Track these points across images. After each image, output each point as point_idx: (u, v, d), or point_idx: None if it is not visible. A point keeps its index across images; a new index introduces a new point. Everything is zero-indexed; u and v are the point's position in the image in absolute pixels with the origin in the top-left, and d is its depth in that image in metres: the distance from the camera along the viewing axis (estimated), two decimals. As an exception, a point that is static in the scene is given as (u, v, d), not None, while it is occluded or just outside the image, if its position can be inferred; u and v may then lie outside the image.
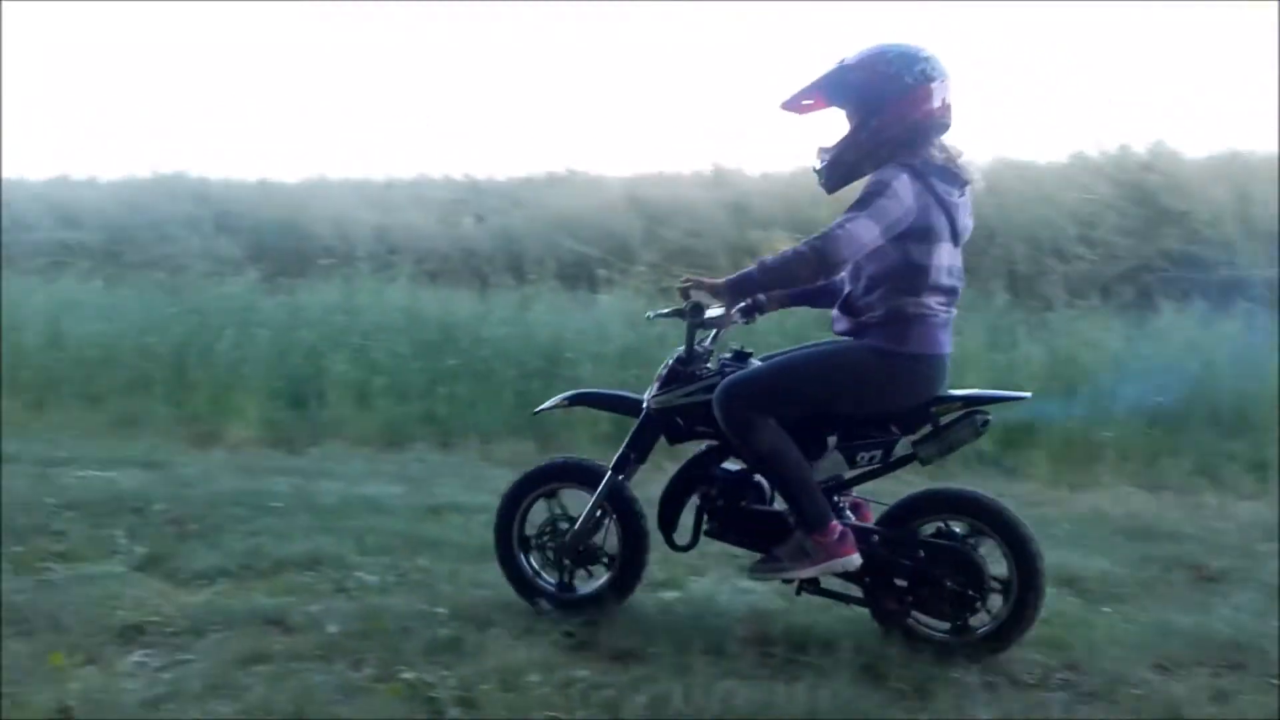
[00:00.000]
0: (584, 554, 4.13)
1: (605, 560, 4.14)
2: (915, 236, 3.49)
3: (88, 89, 30.83)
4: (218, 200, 15.01)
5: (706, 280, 3.72)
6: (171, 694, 3.36)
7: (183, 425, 7.78)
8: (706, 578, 4.65)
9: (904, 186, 3.45)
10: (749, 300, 3.98)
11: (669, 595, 4.40)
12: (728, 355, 3.98)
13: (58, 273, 11.50)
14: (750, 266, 3.65)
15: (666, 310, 4.19)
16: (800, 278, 3.56)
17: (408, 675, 3.50)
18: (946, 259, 3.56)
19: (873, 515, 3.95)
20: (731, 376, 3.74)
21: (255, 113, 29.54)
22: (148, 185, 16.19)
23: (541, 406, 4.37)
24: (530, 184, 14.65)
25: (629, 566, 4.08)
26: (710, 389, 3.76)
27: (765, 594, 4.38)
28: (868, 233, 3.41)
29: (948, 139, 3.64)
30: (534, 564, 4.23)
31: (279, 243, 13.27)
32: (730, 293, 3.68)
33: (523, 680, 3.46)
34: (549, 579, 4.22)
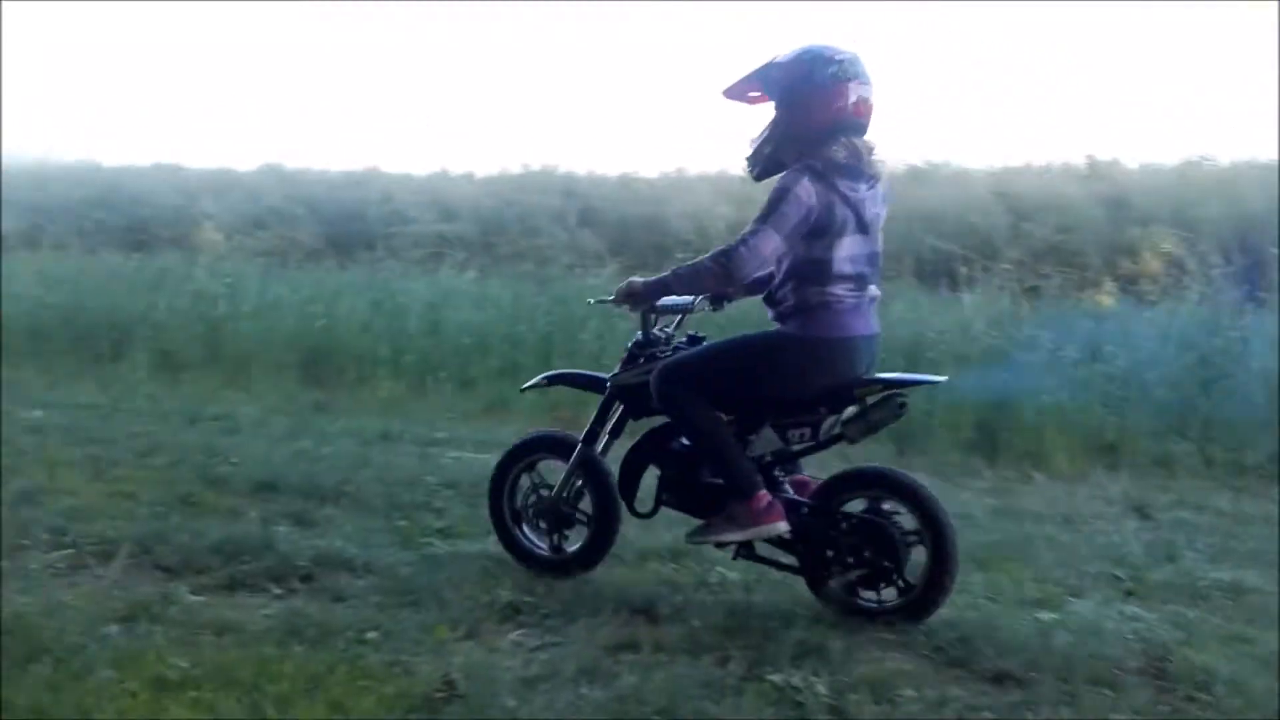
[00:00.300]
0: (562, 518, 4.50)
1: (584, 523, 4.48)
2: (818, 233, 3.80)
3: (464, 89, 32.96)
4: (582, 195, 15.64)
5: (621, 290, 4.19)
6: (547, 675, 3.44)
7: (548, 411, 8.06)
8: (1087, 600, 4.35)
9: (804, 189, 3.75)
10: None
11: (1046, 616, 4.13)
12: (683, 340, 4.35)
13: (436, 263, 12.29)
14: (666, 273, 4.08)
15: (608, 298, 4.43)
16: (708, 288, 4.12)
17: (774, 677, 3.44)
18: (851, 249, 3.85)
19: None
20: (666, 359, 4.15)
21: (619, 109, 30.66)
22: (519, 180, 17.10)
23: (525, 385, 4.95)
24: (891, 178, 14.50)
25: (601, 529, 4.41)
26: None
27: (1155, 621, 4.05)
28: (769, 244, 3.78)
29: (867, 137, 3.91)
30: (525, 531, 4.59)
31: (639, 236, 13.64)
32: (637, 300, 4.17)
33: (894, 693, 3.34)
34: (540, 544, 4.57)
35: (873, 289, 4.00)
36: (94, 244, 14.28)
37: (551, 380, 4.86)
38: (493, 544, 4.71)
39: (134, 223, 15.82)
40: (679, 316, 4.45)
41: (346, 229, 14.80)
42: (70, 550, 4.58)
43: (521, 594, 4.17)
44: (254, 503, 5.41)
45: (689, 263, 4.04)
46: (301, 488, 5.65)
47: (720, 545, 4.17)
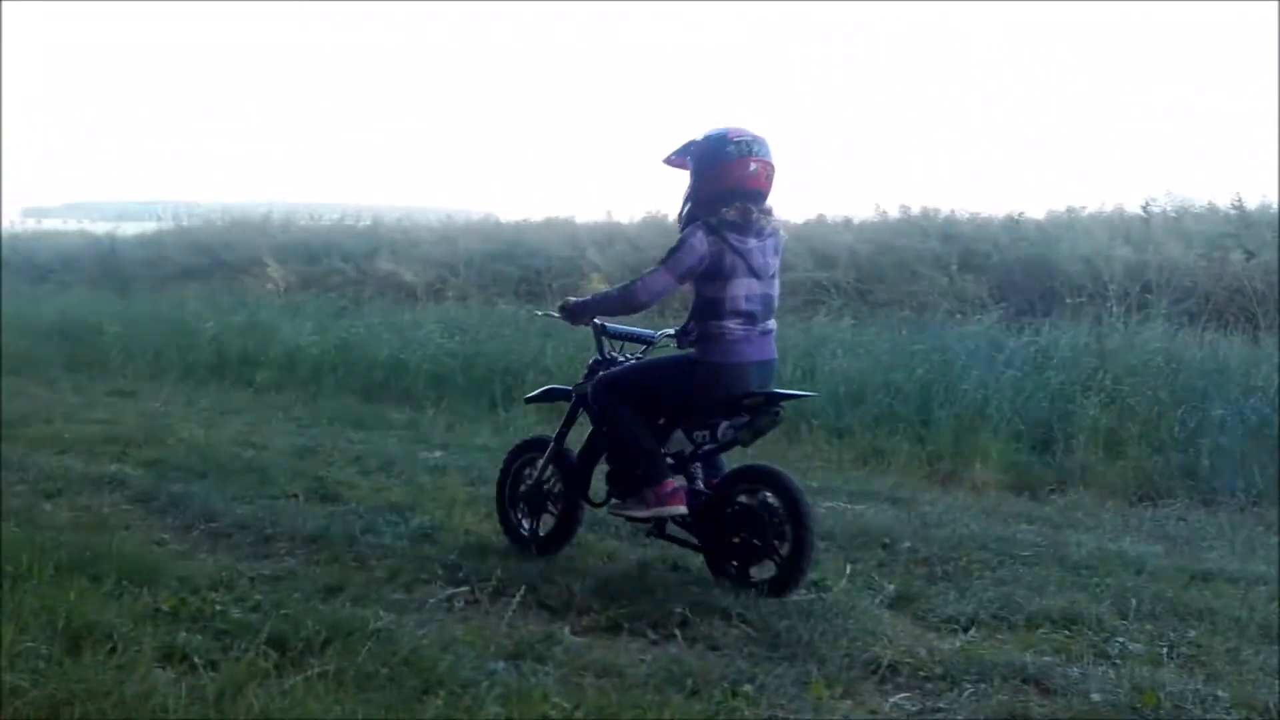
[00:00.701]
0: (539, 503, 5.40)
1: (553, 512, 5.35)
2: (710, 276, 4.70)
3: (839, 134, 33.00)
4: (964, 237, 15.15)
5: (560, 306, 5.28)
6: (930, 744, 3.24)
7: (925, 463, 7.79)
8: None
9: (699, 241, 4.66)
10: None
11: None
12: (635, 357, 5.26)
13: (811, 310, 12.21)
14: (588, 297, 5.34)
15: (552, 312, 5.57)
16: (614, 311, 5.13)
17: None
18: (743, 291, 4.71)
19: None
20: (603, 373, 5.09)
21: (1000, 148, 29.78)
22: (897, 225, 16.80)
23: (529, 396, 6.10)
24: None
25: (566, 512, 5.28)
26: None
27: None
28: (662, 281, 4.77)
29: (767, 203, 4.81)
30: (516, 513, 5.48)
31: (1025, 280, 13.04)
32: (569, 316, 5.20)
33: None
34: (525, 524, 5.44)
35: (765, 324, 4.87)
36: (492, 295, 15.26)
37: (546, 394, 5.80)
38: (871, 600, 4.56)
39: (528, 274, 16.77)
40: (644, 346, 5.37)
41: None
42: (465, 587, 4.81)
43: (902, 654, 3.98)
44: (632, 546, 5.49)
45: (604, 290, 5.63)
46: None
47: (630, 520, 5.09)
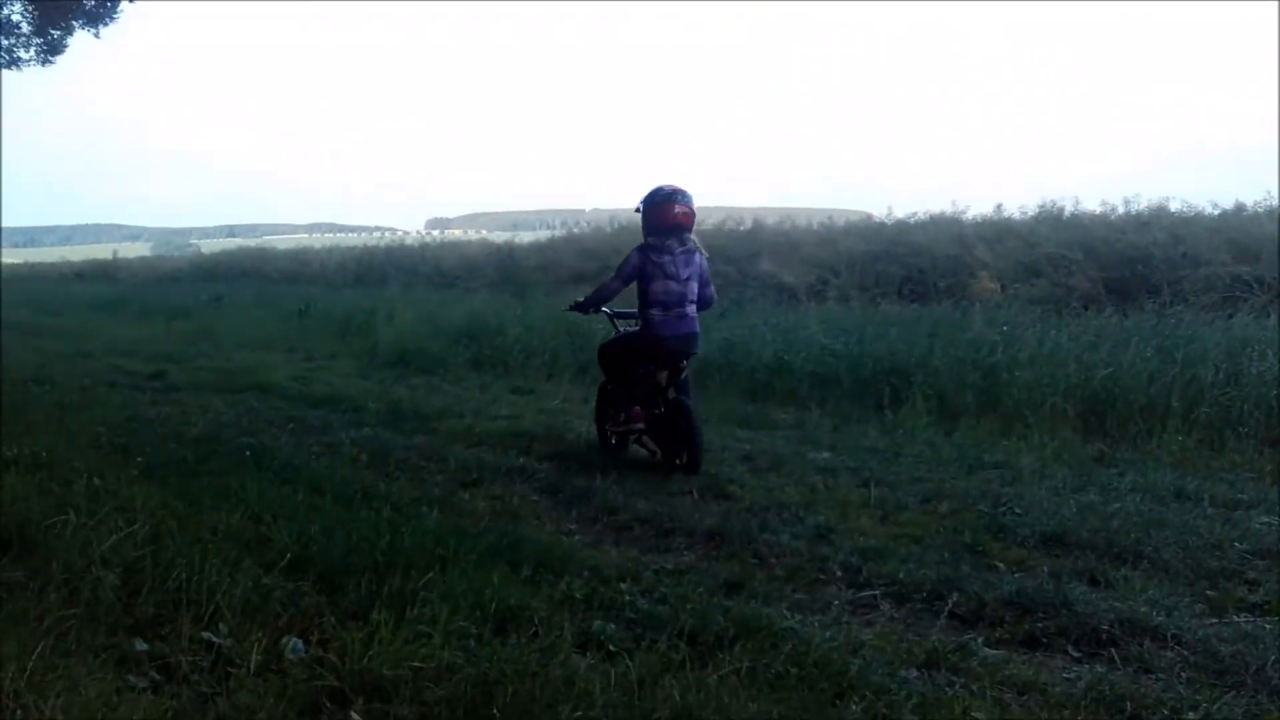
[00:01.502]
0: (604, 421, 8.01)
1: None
2: (642, 279, 7.38)
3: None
4: None
5: (573, 303, 8.04)
6: None
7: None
8: None
9: (634, 257, 7.41)
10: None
11: None
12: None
13: (1232, 308, 11.20)
14: (583, 298, 7.91)
15: (567, 308, 8.32)
16: (600, 303, 7.70)
17: None
18: (662, 288, 7.34)
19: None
20: (601, 344, 8.22)
21: None
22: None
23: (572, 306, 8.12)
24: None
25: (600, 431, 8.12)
26: None
27: None
28: (614, 284, 7.55)
29: (688, 235, 7.46)
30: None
31: None
32: (581, 309, 7.87)
33: None
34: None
35: (680, 310, 7.41)
36: (874, 295, 15.03)
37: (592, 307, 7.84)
38: None
39: (912, 273, 16.41)
40: (635, 319, 7.72)
41: (1127, 273, 14.10)
42: (865, 590, 4.68)
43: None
44: (1042, 557, 5.17)
45: (590, 292, 7.85)
46: (1092, 544, 5.31)
47: (613, 432, 7.82)
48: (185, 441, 7.28)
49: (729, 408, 10.09)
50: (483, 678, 3.23)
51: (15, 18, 25.45)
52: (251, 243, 70.49)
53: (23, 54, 26.26)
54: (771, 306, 15.27)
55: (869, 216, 22.72)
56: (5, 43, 25.82)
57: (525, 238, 29.14)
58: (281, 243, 62.16)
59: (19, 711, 2.74)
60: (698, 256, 7.45)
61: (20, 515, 4.70)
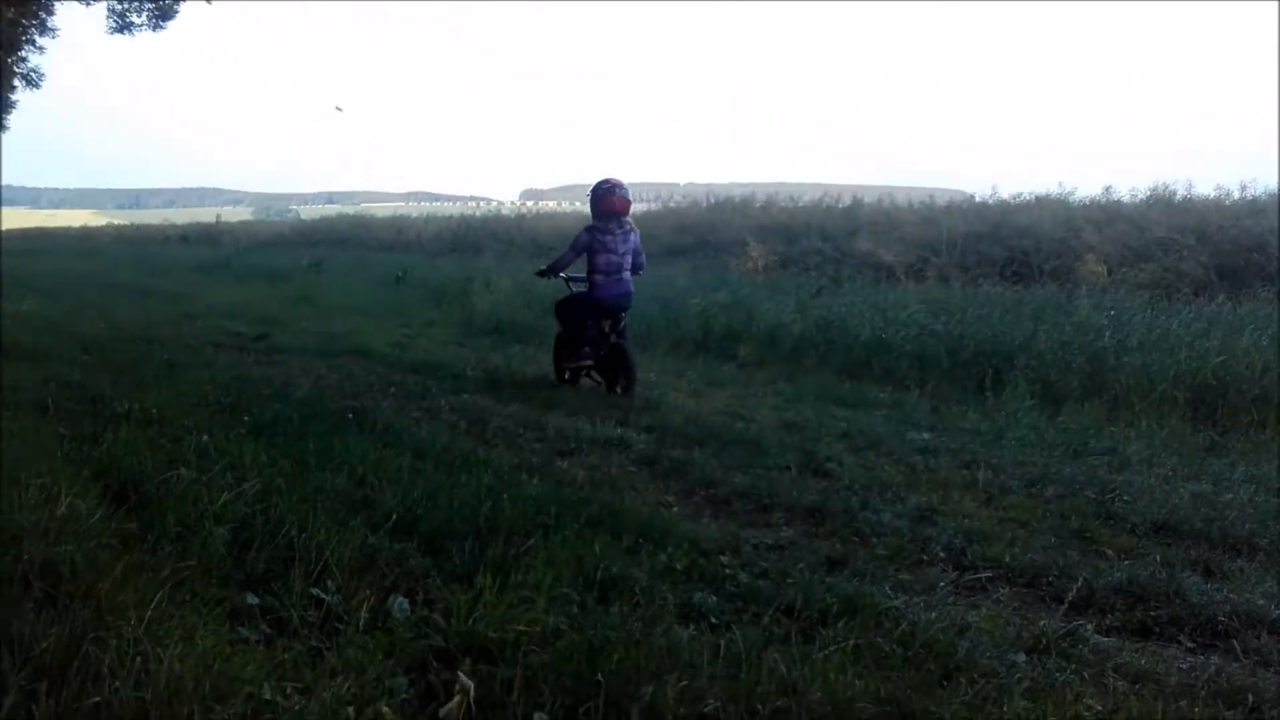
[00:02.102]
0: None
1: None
2: (590, 251, 9.33)
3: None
4: None
5: (540, 269, 10.28)
6: None
7: None
8: None
9: (583, 235, 9.43)
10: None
11: None
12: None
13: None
14: (546, 265, 10.13)
15: (537, 272, 10.61)
16: (559, 269, 9.71)
17: None
18: (604, 260, 9.27)
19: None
20: (557, 299, 10.05)
21: None
22: None
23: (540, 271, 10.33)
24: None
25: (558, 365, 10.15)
26: None
27: None
28: (568, 255, 9.60)
29: (625, 217, 9.49)
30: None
31: None
32: (545, 275, 9.98)
33: None
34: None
35: (618, 276, 9.36)
36: (976, 275, 14.76)
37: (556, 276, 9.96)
38: None
39: (1015, 254, 16.08)
40: (584, 282, 9.61)
41: (1240, 260, 13.66)
42: (970, 572, 4.60)
43: None
44: (1152, 545, 5.04)
45: (552, 259, 9.95)
46: (1205, 534, 5.18)
47: (568, 368, 9.66)
48: (290, 402, 7.38)
49: (825, 385, 10.02)
50: (587, 643, 3.22)
51: (129, -18, 26.06)
52: (350, 210, 71.64)
53: (135, 19, 26.88)
54: (869, 285, 15.10)
55: (971, 196, 22.27)
56: (119, 7, 26.43)
57: (621, 210, 29.28)
58: (379, 210, 63.07)
59: (138, 659, 2.79)
60: (633, 235, 9.50)
61: (133, 469, 4.81)
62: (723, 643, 3.35)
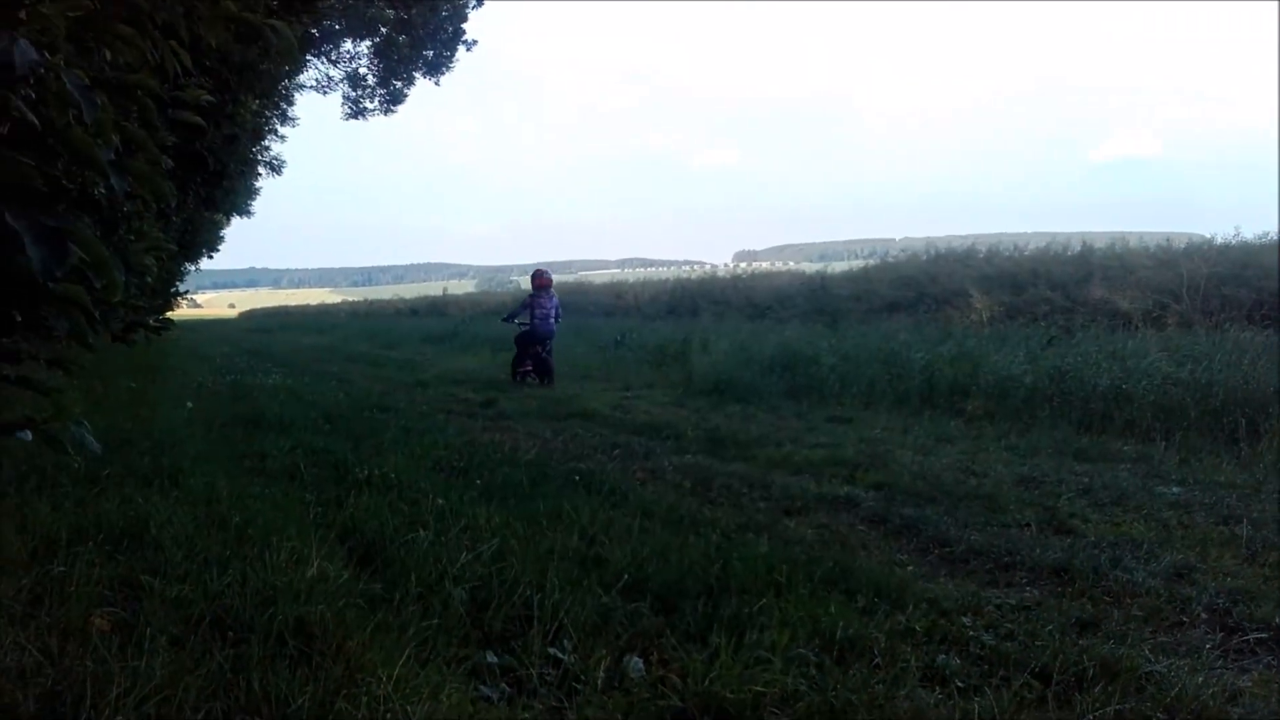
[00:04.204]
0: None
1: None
2: (530, 307, 17.39)
3: None
4: None
5: (504, 318, 19.67)
6: None
7: None
8: None
9: (527, 298, 17.76)
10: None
11: None
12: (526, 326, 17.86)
13: None
14: (507, 313, 19.18)
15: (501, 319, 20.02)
16: (509, 319, 18.42)
17: None
18: (540, 310, 17.16)
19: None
20: (515, 335, 17.68)
21: None
22: None
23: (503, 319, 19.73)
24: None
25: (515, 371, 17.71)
26: None
27: None
28: (520, 310, 17.73)
29: (551, 288, 17.80)
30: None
31: None
32: (506, 320, 18.67)
33: None
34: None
35: (548, 321, 17.06)
36: (1220, 320, 13.96)
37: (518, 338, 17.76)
38: None
39: (1264, 297, 15.15)
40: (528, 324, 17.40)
41: None
42: (1236, 634, 4.26)
43: None
44: None
45: (513, 309, 18.41)
46: None
47: (520, 373, 16.95)
48: (519, 465, 7.52)
49: (1063, 439, 9.59)
50: (829, 705, 3.11)
51: (363, 71, 27.63)
52: (569, 278, 73.57)
53: (368, 104, 28.43)
54: (1104, 333, 14.47)
55: (1210, 239, 21.14)
56: (353, 94, 28.01)
57: (837, 267, 28.99)
58: (596, 277, 64.54)
59: (388, 716, 2.84)
60: (554, 298, 17.29)
61: (376, 532, 4.95)
62: (974, 707, 3.18)
